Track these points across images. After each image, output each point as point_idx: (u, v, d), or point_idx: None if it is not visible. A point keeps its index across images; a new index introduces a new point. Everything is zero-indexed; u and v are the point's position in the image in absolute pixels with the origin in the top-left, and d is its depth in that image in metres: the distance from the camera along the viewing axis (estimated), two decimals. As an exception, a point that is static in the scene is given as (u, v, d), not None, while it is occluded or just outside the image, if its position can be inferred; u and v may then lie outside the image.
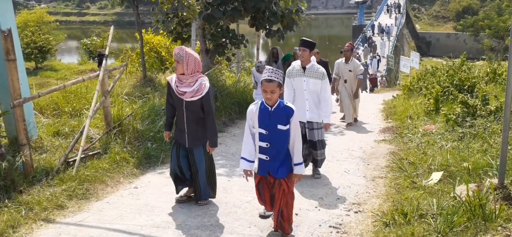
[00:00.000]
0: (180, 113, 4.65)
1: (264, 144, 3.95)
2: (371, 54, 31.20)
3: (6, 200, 4.62)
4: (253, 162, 4.03)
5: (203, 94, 4.53)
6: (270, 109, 3.89)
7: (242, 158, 4.03)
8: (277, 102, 3.89)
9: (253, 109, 3.95)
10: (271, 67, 3.84)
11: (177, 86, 4.58)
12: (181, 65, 4.49)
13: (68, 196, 4.97)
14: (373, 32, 41.35)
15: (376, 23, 43.33)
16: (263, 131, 3.93)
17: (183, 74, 4.52)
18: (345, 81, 9.17)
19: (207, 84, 4.57)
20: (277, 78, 3.78)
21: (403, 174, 5.58)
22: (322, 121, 5.64)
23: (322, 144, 5.68)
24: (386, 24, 40.95)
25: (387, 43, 34.42)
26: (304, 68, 5.53)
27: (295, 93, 5.64)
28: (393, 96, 12.39)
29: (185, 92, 4.52)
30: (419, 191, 4.91)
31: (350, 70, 9.06)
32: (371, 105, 11.63)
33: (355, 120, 9.48)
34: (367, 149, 7.08)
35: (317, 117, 5.59)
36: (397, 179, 5.48)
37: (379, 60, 29.61)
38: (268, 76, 3.77)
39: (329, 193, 5.28)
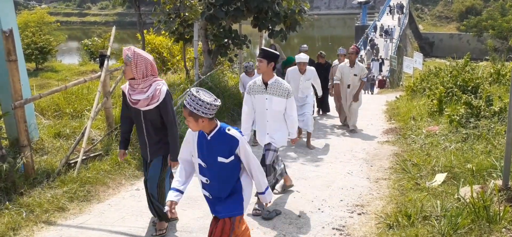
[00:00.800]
0: (139, 125, 4.05)
1: (204, 179, 3.23)
2: (373, 56, 30.61)
3: (7, 202, 4.61)
4: (181, 192, 3.27)
5: (160, 101, 3.87)
6: (207, 137, 3.08)
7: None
8: (217, 128, 3.06)
9: (191, 132, 3.19)
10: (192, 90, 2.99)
11: (129, 94, 3.93)
12: (130, 68, 3.81)
13: (69, 198, 4.95)
14: (375, 33, 40.85)
15: (378, 25, 42.56)
16: (202, 163, 3.18)
17: (133, 79, 3.85)
18: (348, 86, 8.42)
19: (164, 89, 3.91)
20: (190, 105, 2.92)
21: (406, 175, 5.55)
22: (279, 147, 4.87)
23: (271, 169, 4.81)
24: (388, 25, 40.42)
25: (390, 45, 33.78)
26: (266, 84, 4.60)
27: (255, 112, 4.82)
28: (396, 97, 12.33)
29: (139, 100, 3.87)
30: (422, 192, 4.88)
31: (355, 75, 8.31)
32: (374, 106, 11.58)
33: (353, 130, 8.50)
34: (371, 150, 7.04)
35: (276, 141, 4.78)
36: (401, 180, 5.45)
37: (381, 63, 28.93)
38: (185, 101, 2.98)
39: (332, 194, 5.25)
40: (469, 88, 8.59)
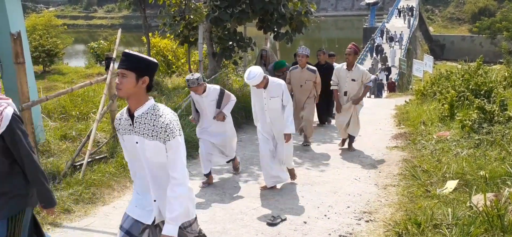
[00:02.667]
0: None
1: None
2: (381, 64, 28.52)
3: None
4: None
5: (3, 129, 2.72)
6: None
7: None
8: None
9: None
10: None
11: None
12: None
13: (74, 200, 4.97)
14: (382, 38, 38.60)
15: (385, 29, 41.03)
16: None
17: None
18: (345, 93, 7.03)
19: (9, 112, 2.76)
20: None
21: (416, 182, 5.39)
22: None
23: None
24: (394, 32, 38.37)
25: (398, 52, 32.13)
26: (132, 116, 2.70)
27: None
28: (405, 101, 12.14)
29: None
30: (433, 200, 4.74)
31: (353, 80, 6.93)
32: (383, 110, 11.40)
33: (350, 144, 7.33)
34: (379, 155, 6.89)
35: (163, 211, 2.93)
36: (410, 187, 5.29)
37: (388, 74, 26.36)
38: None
39: (339, 201, 5.12)
40: (482, 92, 8.39)
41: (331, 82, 7.12)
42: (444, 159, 5.93)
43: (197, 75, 5.29)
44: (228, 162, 5.95)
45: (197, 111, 5.66)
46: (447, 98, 8.48)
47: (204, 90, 5.39)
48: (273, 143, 5.45)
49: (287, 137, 5.26)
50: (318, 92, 7.43)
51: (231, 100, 5.56)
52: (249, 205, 4.96)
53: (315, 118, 8.63)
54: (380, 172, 6.08)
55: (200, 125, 5.71)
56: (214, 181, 5.80)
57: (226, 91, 5.56)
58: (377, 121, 9.75)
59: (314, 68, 7.46)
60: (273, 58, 8.61)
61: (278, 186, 5.57)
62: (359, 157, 6.88)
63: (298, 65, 7.32)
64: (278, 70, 7.85)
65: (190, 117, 5.80)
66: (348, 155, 7.02)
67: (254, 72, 4.93)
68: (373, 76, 8.04)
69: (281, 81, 5.37)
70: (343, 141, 7.56)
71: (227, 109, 5.52)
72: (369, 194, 5.28)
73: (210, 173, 5.69)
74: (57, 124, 7.03)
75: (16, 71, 5.00)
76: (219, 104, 5.48)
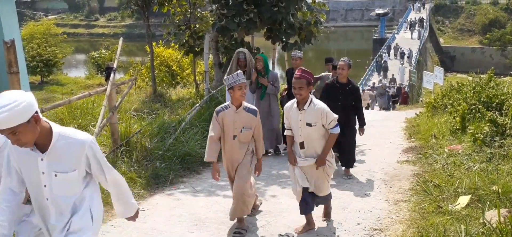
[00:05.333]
0: None
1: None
2: (388, 84, 25.77)
3: None
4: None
5: None
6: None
7: None
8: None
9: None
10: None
11: None
12: None
13: None
14: (388, 53, 36.36)
15: (392, 44, 39.49)
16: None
17: None
18: (302, 145, 4.42)
19: None
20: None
21: (428, 197, 5.29)
22: None
23: None
24: (402, 48, 36.45)
25: (407, 70, 30.08)
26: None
27: None
28: (416, 114, 12.02)
29: None
30: (445, 216, 4.64)
31: (308, 124, 4.31)
32: (393, 123, 11.29)
33: (326, 212, 4.95)
34: (389, 170, 6.78)
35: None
36: (422, 203, 5.19)
37: (390, 96, 22.93)
38: None
39: (349, 217, 5.02)
40: (493, 105, 8.27)
41: (285, 124, 4.61)
42: (456, 174, 5.82)
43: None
44: None
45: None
46: (459, 111, 8.36)
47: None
48: None
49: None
50: None
51: None
52: (255, 223, 4.87)
53: None
54: (390, 187, 5.97)
55: None
56: (219, 197, 5.72)
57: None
58: (387, 134, 9.65)
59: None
60: (252, 61, 7.27)
61: (285, 203, 5.47)
62: (369, 171, 6.78)
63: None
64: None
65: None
66: (358, 169, 6.90)
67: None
68: (335, 116, 4.42)
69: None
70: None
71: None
72: (379, 210, 5.18)
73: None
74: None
75: (9, 81, 4.67)
76: None
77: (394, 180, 6.27)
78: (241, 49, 7.32)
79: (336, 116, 4.33)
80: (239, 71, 4.33)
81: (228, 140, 4.47)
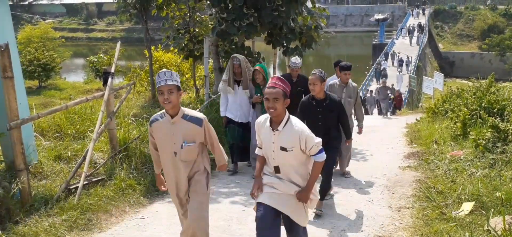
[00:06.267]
0: None
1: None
2: (388, 92, 24.10)
3: (0, 232, 4.32)
4: None
5: None
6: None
7: None
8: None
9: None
10: None
11: None
12: None
13: (68, 227, 4.62)
14: (386, 62, 35.58)
15: (390, 52, 38.61)
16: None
17: None
18: (276, 169, 3.60)
19: None
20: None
21: (431, 204, 5.25)
22: None
23: None
24: (399, 56, 35.79)
25: (406, 77, 29.74)
26: None
27: None
28: (416, 119, 11.99)
29: None
30: (449, 223, 4.61)
31: (283, 149, 3.48)
32: (394, 129, 11.26)
33: None
34: (392, 176, 6.74)
35: None
36: (425, 209, 5.15)
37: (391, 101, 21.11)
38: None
39: (352, 224, 4.98)
40: (495, 110, 8.23)
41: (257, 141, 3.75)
42: (459, 180, 5.78)
43: None
44: None
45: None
46: (460, 116, 8.32)
47: None
48: None
49: None
50: None
51: None
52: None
53: None
54: (393, 193, 5.93)
55: None
56: (221, 205, 5.66)
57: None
58: (388, 139, 9.62)
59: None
60: (249, 69, 6.59)
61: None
62: (371, 177, 6.73)
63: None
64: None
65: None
66: (361, 175, 6.85)
67: None
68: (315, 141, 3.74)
69: None
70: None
71: None
72: (382, 217, 5.14)
73: None
74: (51, 143, 6.56)
75: (4, 86, 4.59)
76: None
77: (396, 186, 6.24)
78: (236, 54, 6.70)
79: (319, 140, 3.49)
80: (171, 71, 3.51)
81: (167, 158, 3.63)
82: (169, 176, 3.68)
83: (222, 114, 6.82)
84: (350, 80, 6.59)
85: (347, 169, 6.91)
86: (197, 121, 3.56)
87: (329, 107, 5.16)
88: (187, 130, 3.53)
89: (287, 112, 3.48)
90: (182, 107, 3.56)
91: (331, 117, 5.19)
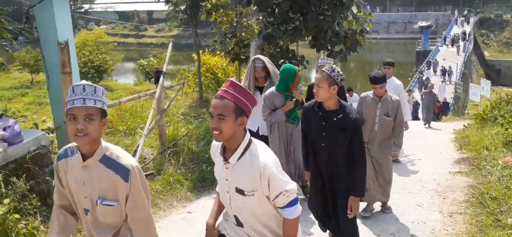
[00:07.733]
0: None
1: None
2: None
3: None
4: None
5: None
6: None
7: None
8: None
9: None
10: None
11: None
12: None
13: None
14: (429, 70, 34.44)
15: (432, 61, 37.35)
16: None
17: None
18: (237, 221, 2.52)
19: None
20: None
21: (485, 210, 5.08)
22: None
23: None
24: (443, 66, 34.32)
25: (448, 87, 28.23)
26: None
27: None
28: (464, 125, 11.65)
29: None
30: (505, 230, 4.45)
31: (239, 191, 2.37)
32: (441, 135, 10.97)
33: None
34: (442, 181, 6.56)
35: None
36: (479, 215, 4.99)
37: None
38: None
39: (402, 229, 4.89)
40: (547, 117, 7.92)
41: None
42: (514, 187, 5.59)
43: None
44: None
45: None
46: (511, 123, 8.05)
47: None
48: None
49: None
50: None
51: None
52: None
53: None
54: (444, 198, 5.78)
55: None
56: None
57: None
58: (436, 145, 9.38)
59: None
60: (274, 72, 5.20)
61: None
62: (420, 181, 6.58)
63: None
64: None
65: None
66: (409, 179, 6.72)
67: None
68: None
69: None
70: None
71: None
72: (434, 222, 5.02)
73: None
74: (103, 139, 6.81)
75: (62, 81, 4.73)
76: None
77: (447, 191, 6.07)
78: (258, 56, 5.40)
79: (293, 185, 2.34)
80: (94, 85, 2.41)
81: (80, 214, 2.45)
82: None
83: None
84: (388, 92, 4.92)
85: (388, 203, 5.36)
86: (121, 171, 2.26)
87: (340, 124, 3.35)
88: (106, 181, 2.27)
89: (246, 136, 2.31)
90: (105, 144, 2.32)
91: (340, 139, 3.38)
